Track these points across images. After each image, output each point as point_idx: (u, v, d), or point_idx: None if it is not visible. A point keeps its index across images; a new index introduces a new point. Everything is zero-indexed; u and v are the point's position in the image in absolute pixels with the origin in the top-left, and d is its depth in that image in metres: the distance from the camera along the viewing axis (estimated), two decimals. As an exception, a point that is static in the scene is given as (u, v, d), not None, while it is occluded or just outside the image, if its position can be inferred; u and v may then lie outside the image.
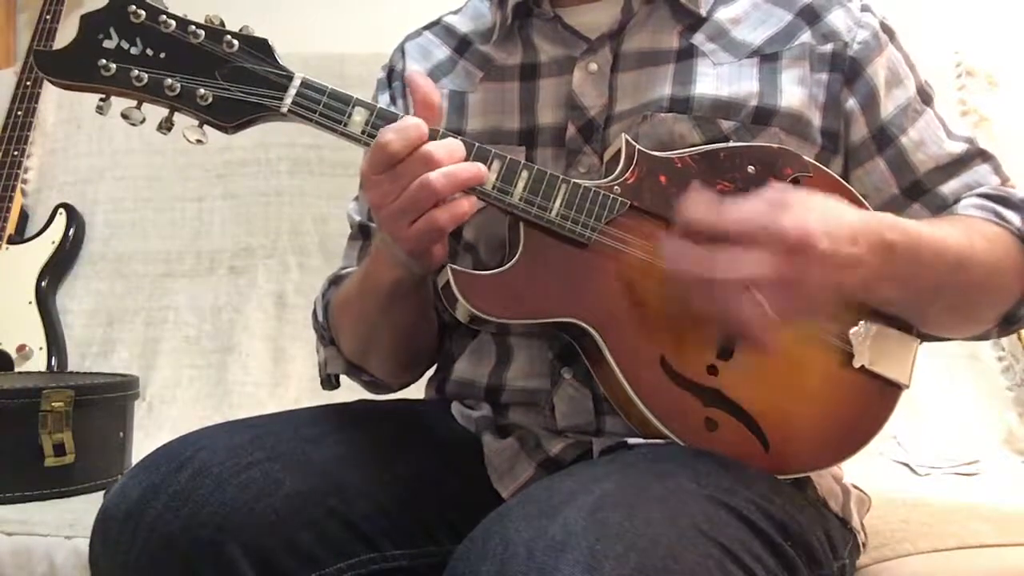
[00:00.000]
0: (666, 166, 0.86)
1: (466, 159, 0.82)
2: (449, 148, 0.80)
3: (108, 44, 0.81)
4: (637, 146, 0.87)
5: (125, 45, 0.81)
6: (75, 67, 0.81)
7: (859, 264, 0.77)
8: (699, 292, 0.77)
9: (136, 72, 0.81)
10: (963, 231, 0.87)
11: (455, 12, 1.08)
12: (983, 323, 0.94)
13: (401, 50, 1.08)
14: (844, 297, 0.80)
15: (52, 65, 0.82)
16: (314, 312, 1.04)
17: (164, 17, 0.82)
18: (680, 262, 0.79)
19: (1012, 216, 0.90)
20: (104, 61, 0.81)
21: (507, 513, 0.68)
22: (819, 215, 0.76)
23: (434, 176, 0.79)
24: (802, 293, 0.76)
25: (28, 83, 1.98)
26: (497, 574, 0.63)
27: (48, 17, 2.03)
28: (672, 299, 0.83)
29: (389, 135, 0.80)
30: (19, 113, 1.96)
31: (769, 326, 0.75)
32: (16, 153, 1.93)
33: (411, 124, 0.80)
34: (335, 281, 1.04)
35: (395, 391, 1.07)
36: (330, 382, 1.05)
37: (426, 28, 1.09)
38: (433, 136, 0.81)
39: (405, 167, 0.79)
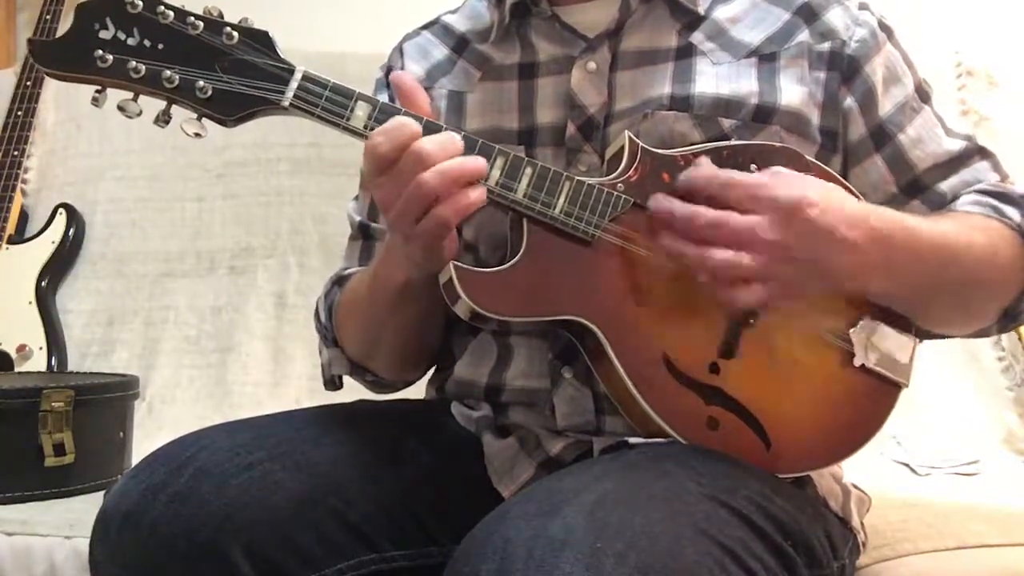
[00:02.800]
0: (669, 164, 0.86)
1: (464, 154, 0.81)
2: (442, 143, 0.79)
3: (105, 35, 0.80)
4: (640, 143, 0.86)
5: (122, 36, 0.80)
6: (71, 58, 0.80)
7: (855, 250, 0.78)
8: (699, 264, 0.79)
9: (133, 63, 0.80)
10: (961, 226, 0.87)
11: (453, 12, 1.08)
12: (983, 318, 0.93)
13: (399, 50, 1.08)
14: (839, 282, 0.80)
15: (47, 55, 0.80)
16: (316, 313, 1.04)
17: (162, 8, 0.80)
18: (676, 240, 0.80)
19: (1011, 211, 0.90)
20: (100, 52, 0.79)
21: (507, 512, 0.68)
22: (818, 189, 0.78)
23: (428, 175, 0.77)
24: (795, 259, 0.77)
25: (28, 83, 1.98)
26: (497, 573, 0.62)
27: (48, 17, 2.03)
28: (675, 296, 0.83)
29: (378, 138, 0.79)
30: (19, 113, 1.96)
31: (769, 291, 0.78)
32: (16, 153, 1.94)
33: (398, 124, 0.79)
34: (338, 282, 1.03)
35: (399, 390, 1.07)
36: (333, 383, 1.05)
37: (424, 28, 1.08)
38: (435, 129, 0.81)
39: (400, 168, 0.78)
